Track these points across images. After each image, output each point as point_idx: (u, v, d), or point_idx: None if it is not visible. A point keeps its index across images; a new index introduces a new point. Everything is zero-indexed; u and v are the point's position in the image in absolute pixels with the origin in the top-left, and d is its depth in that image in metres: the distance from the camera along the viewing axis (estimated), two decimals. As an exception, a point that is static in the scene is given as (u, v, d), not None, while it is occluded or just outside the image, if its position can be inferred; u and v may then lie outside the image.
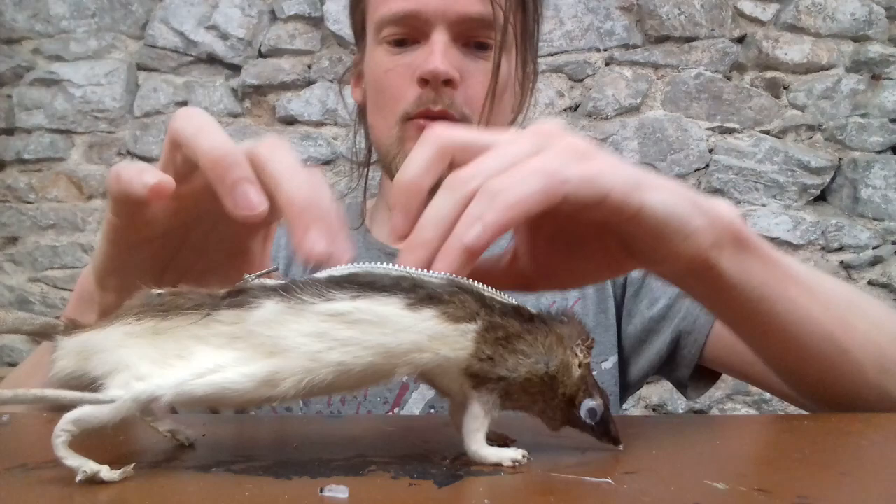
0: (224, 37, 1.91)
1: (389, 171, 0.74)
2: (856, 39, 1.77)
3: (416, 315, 0.29)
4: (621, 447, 0.33)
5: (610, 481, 0.27)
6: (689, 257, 0.38)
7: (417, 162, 0.35)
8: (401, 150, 0.70)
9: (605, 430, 0.32)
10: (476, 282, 0.31)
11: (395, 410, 0.70)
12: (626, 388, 0.77)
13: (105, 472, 0.26)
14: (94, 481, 0.26)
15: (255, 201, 0.33)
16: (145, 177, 0.34)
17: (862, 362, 0.46)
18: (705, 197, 0.40)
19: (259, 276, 0.30)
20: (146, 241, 0.39)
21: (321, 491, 0.25)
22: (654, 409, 1.73)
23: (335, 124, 1.87)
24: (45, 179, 1.94)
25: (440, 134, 0.36)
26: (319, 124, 1.88)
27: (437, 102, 0.67)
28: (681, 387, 0.75)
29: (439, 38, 0.67)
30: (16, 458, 0.26)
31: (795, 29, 1.78)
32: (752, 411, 1.70)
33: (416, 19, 0.68)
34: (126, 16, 1.95)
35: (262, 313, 0.28)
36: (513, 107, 0.75)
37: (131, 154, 1.90)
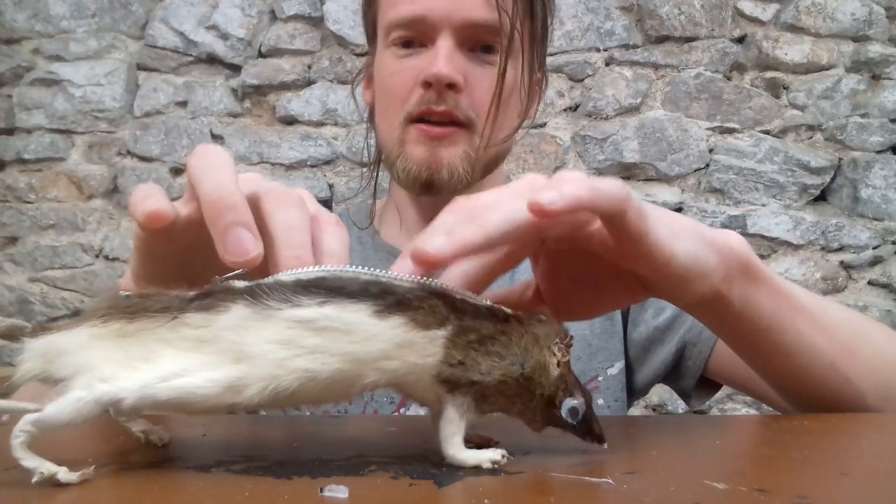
0: (224, 37, 1.91)
1: (392, 173, 0.74)
2: (856, 39, 1.77)
3: (383, 323, 0.29)
4: (605, 446, 0.32)
5: (610, 481, 0.27)
6: (703, 293, 0.40)
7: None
8: (402, 153, 0.70)
9: (589, 428, 0.32)
10: (448, 284, 0.31)
11: (402, 411, 0.69)
12: (632, 393, 0.76)
13: (63, 473, 0.26)
14: (51, 483, 0.26)
15: (247, 247, 0.31)
16: (147, 203, 0.34)
17: (864, 390, 0.48)
18: (714, 230, 0.41)
19: (228, 279, 0.30)
20: (172, 253, 0.39)
21: (321, 491, 0.25)
22: (654, 409, 1.73)
23: (335, 124, 1.87)
24: (45, 179, 1.94)
25: (465, 204, 0.35)
26: (319, 124, 1.88)
27: (439, 103, 0.68)
28: (684, 395, 0.75)
29: (444, 43, 0.68)
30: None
31: (795, 29, 1.78)
32: (752, 411, 1.70)
33: (423, 24, 0.69)
34: (126, 16, 1.94)
35: (229, 318, 0.28)
36: (519, 112, 0.75)
37: (131, 154, 1.90)
